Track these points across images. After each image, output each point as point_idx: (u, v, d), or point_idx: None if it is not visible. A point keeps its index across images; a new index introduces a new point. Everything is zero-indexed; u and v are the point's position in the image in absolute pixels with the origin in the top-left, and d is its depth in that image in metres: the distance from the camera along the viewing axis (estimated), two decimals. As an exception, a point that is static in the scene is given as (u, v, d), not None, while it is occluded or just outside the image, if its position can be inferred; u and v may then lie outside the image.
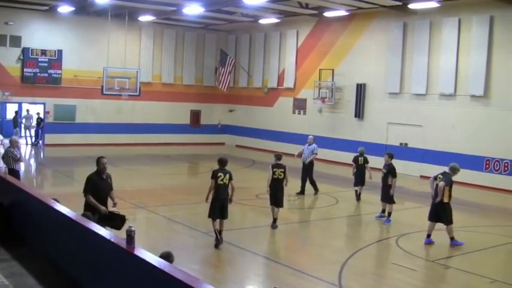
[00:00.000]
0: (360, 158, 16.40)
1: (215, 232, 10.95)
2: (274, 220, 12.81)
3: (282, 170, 12.71)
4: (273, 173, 12.67)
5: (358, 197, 16.53)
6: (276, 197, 12.72)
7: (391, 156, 14.12)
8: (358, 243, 12.13)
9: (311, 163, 17.13)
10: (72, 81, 27.10)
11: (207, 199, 11.05)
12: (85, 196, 9.11)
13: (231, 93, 30.75)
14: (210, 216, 10.99)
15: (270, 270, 9.67)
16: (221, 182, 10.86)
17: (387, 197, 13.93)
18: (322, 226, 14.00)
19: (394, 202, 13.94)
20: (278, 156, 13.00)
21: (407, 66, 22.44)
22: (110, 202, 9.40)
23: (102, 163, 9.20)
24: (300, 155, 17.51)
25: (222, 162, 11.11)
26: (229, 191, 11.05)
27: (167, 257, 6.31)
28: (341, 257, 10.76)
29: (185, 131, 30.58)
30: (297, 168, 16.94)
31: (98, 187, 9.15)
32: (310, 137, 17.73)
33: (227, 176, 10.92)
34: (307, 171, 17.20)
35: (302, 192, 17.11)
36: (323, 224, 14.27)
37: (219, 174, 10.88)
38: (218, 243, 10.90)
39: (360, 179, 16.41)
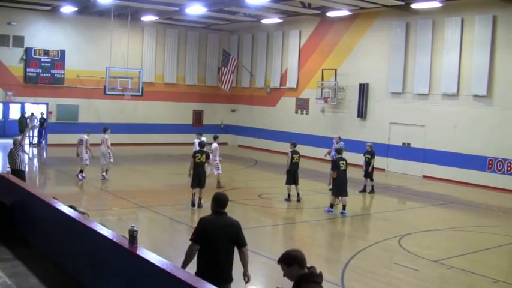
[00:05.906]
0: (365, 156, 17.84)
1: (193, 197, 14.05)
2: (298, 194, 15.54)
3: (299, 155, 15.79)
4: (293, 158, 15.50)
5: (365, 188, 17.80)
6: (294, 176, 15.56)
7: (336, 151, 15.14)
8: (360, 243, 12.12)
9: None
10: (74, 81, 27.14)
11: (189, 174, 14.10)
12: None
13: (234, 93, 30.77)
14: (191, 186, 14.09)
15: (272, 270, 9.64)
16: (199, 161, 13.96)
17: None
18: (325, 226, 13.98)
19: (333, 195, 14.62)
20: (294, 143, 15.97)
21: (410, 66, 22.40)
22: None
23: None
24: (329, 153, 18.01)
25: (201, 144, 14.46)
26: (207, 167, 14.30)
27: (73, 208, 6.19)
28: (343, 256, 10.75)
29: (188, 130, 30.49)
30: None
31: None
32: (336, 136, 18.16)
33: (204, 155, 14.05)
34: None
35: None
36: (325, 223, 14.25)
37: (197, 154, 14.00)
38: (194, 204, 13.99)
39: (365, 174, 17.74)
